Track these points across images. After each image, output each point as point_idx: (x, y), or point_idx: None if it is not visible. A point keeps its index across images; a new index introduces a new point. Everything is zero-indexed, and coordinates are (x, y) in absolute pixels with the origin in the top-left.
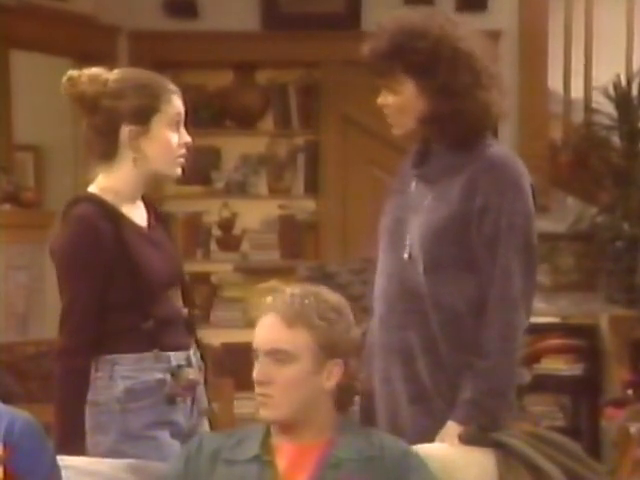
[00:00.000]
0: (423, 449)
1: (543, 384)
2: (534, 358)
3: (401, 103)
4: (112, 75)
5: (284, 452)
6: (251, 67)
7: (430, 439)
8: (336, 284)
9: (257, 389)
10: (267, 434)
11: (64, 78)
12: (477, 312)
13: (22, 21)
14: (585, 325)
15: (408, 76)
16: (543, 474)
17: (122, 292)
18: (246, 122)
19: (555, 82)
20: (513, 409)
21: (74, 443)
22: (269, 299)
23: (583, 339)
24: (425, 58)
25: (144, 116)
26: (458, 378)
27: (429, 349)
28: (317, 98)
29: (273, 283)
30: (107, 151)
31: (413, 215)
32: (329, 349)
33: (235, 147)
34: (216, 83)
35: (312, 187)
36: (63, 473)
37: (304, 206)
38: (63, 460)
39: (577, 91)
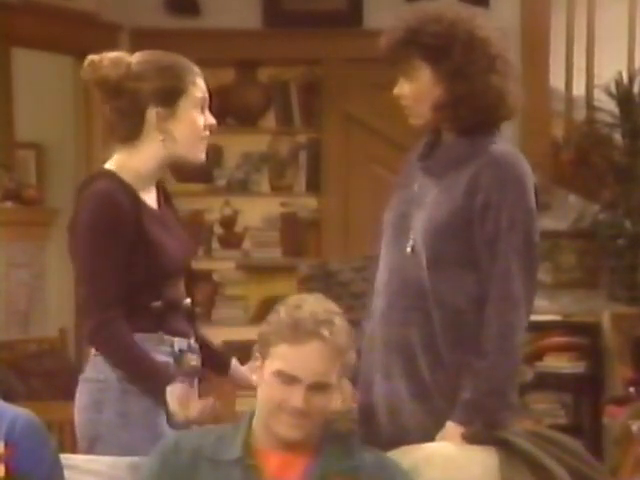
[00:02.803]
0: (425, 448)
1: (545, 382)
2: (536, 356)
3: (417, 90)
4: (134, 58)
5: (269, 458)
6: (253, 65)
7: (432, 437)
8: (338, 282)
9: (294, 414)
10: (248, 433)
11: (85, 63)
12: (478, 310)
13: (24, 19)
14: (587, 323)
15: (424, 62)
16: (547, 473)
17: (136, 270)
18: (248, 120)
19: (557, 80)
20: (515, 408)
21: (162, 384)
22: (309, 322)
23: (585, 337)
24: (440, 41)
25: (170, 98)
26: (458, 377)
27: (430, 346)
28: (319, 96)
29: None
30: (131, 133)
31: (417, 210)
32: (347, 372)
33: (237, 145)
34: (218, 81)
35: (314, 185)
36: (65, 472)
37: (306, 204)
38: (63, 458)
39: (579, 89)
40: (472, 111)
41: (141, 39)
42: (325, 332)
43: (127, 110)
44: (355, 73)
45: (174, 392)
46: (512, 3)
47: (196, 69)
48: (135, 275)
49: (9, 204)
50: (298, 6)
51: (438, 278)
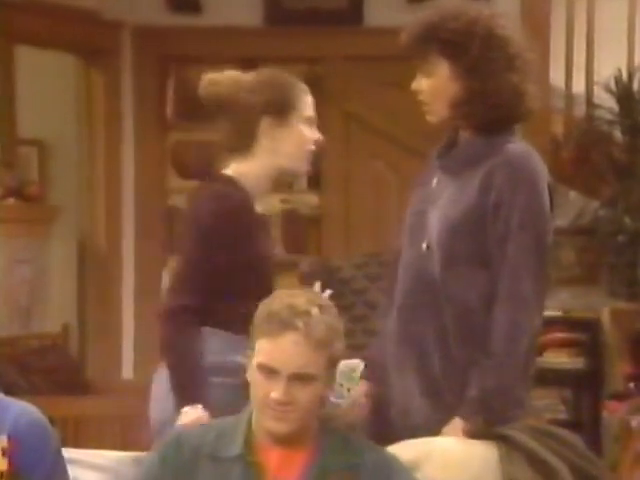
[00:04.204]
0: (426, 443)
1: (545, 377)
2: (536, 352)
3: (435, 86)
4: (248, 76)
5: (270, 454)
6: (254, 62)
7: (438, 433)
8: (339, 279)
9: (276, 406)
10: (249, 429)
11: (205, 79)
12: (489, 308)
13: (26, 16)
14: (587, 319)
15: (442, 57)
16: (546, 467)
17: (237, 274)
18: None
19: (557, 77)
20: (523, 406)
21: (198, 399)
22: (284, 314)
23: (585, 333)
24: (458, 38)
25: (282, 110)
26: (467, 373)
27: (441, 342)
28: (320, 93)
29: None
30: (244, 144)
31: (434, 207)
32: (334, 364)
33: None
34: None
35: (315, 182)
36: (68, 467)
37: (307, 201)
38: (68, 453)
39: (579, 86)
40: (487, 108)
41: (143, 37)
42: (299, 323)
43: (240, 122)
44: (355, 71)
45: (187, 415)
46: (512, 0)
47: (304, 86)
48: (234, 276)
49: (11, 201)
50: (299, 4)
51: (450, 275)
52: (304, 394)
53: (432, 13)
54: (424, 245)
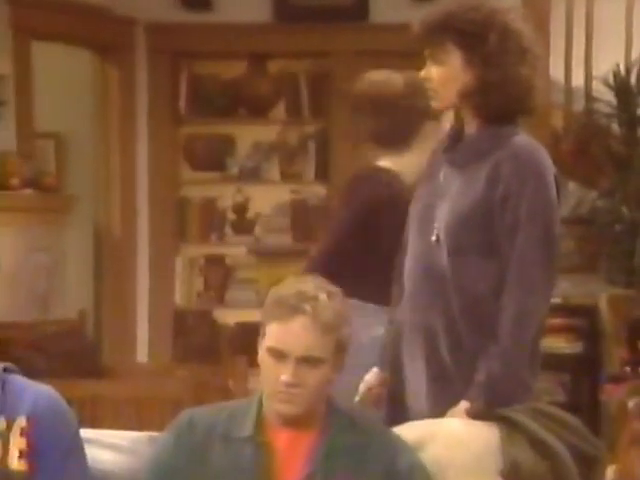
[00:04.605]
0: (430, 424)
1: (544, 362)
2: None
3: (446, 74)
4: (402, 78)
5: (279, 435)
6: (263, 58)
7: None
8: None
9: (285, 389)
10: (259, 411)
11: (363, 80)
12: (497, 296)
13: (43, 14)
14: (585, 305)
15: (457, 47)
16: (546, 448)
17: (384, 254)
18: (259, 111)
19: (557, 72)
20: (530, 390)
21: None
22: (293, 299)
23: (583, 319)
24: (476, 28)
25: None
26: (476, 360)
27: (451, 330)
28: (327, 87)
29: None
30: (402, 142)
31: (442, 200)
32: (342, 349)
33: (248, 135)
34: (230, 73)
35: (322, 173)
36: (85, 446)
37: (315, 191)
38: (85, 433)
39: (578, 80)
40: (501, 99)
41: (156, 33)
42: (308, 308)
43: (401, 123)
44: (361, 66)
45: (367, 381)
46: None
47: None
48: (382, 257)
49: (29, 191)
50: (307, 1)
51: (459, 265)
52: (312, 377)
53: (450, 4)
54: (433, 237)
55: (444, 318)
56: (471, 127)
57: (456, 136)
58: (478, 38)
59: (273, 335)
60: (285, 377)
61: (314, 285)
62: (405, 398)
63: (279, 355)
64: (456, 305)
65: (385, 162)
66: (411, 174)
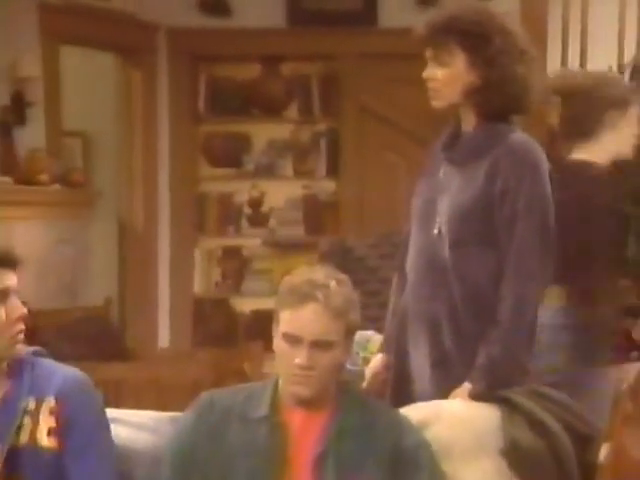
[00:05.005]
0: (434, 405)
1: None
2: None
3: (450, 75)
4: (586, 73)
5: (293, 416)
6: (277, 60)
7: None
8: (354, 257)
9: (299, 371)
10: (275, 393)
11: (556, 75)
12: (496, 285)
13: (70, 19)
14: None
15: (460, 48)
16: (544, 428)
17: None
18: (272, 110)
19: (553, 73)
20: (527, 373)
21: None
22: (306, 287)
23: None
24: (480, 30)
25: (624, 104)
26: (477, 345)
27: (452, 317)
28: (337, 89)
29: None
30: (591, 132)
31: (442, 196)
32: (351, 333)
33: (263, 133)
34: (245, 75)
35: (333, 170)
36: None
37: (326, 187)
38: (109, 412)
39: None
40: (501, 97)
41: (177, 37)
42: (319, 295)
43: (590, 113)
44: (370, 68)
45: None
46: None
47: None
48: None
49: (57, 186)
50: (318, 6)
51: (460, 257)
52: (325, 360)
53: (453, 7)
54: (435, 230)
55: (446, 307)
56: (468, 125)
57: (453, 135)
58: (481, 40)
59: (287, 321)
60: (299, 360)
61: (324, 274)
62: (410, 382)
63: (293, 340)
64: (458, 294)
65: (578, 154)
66: (602, 163)
